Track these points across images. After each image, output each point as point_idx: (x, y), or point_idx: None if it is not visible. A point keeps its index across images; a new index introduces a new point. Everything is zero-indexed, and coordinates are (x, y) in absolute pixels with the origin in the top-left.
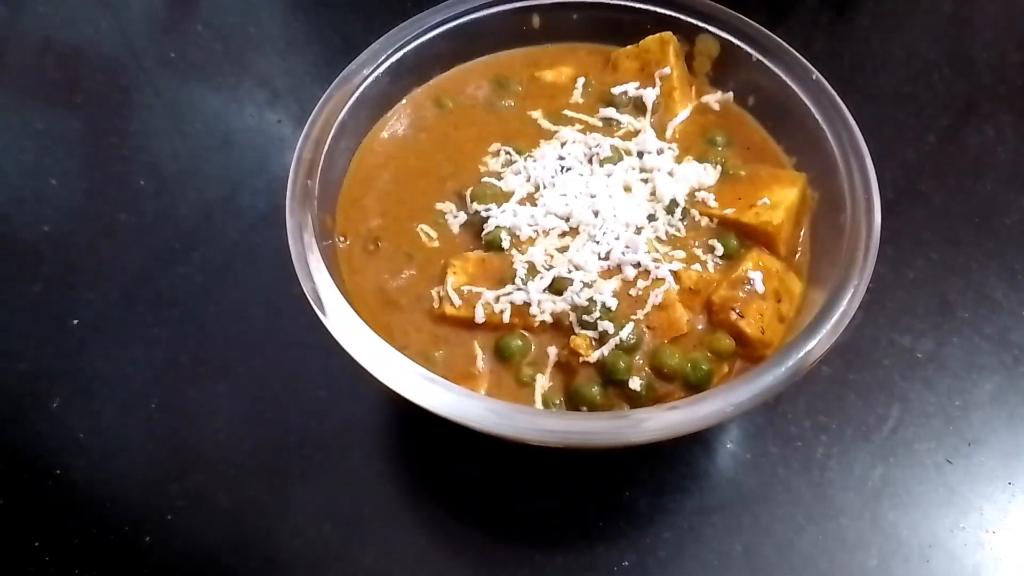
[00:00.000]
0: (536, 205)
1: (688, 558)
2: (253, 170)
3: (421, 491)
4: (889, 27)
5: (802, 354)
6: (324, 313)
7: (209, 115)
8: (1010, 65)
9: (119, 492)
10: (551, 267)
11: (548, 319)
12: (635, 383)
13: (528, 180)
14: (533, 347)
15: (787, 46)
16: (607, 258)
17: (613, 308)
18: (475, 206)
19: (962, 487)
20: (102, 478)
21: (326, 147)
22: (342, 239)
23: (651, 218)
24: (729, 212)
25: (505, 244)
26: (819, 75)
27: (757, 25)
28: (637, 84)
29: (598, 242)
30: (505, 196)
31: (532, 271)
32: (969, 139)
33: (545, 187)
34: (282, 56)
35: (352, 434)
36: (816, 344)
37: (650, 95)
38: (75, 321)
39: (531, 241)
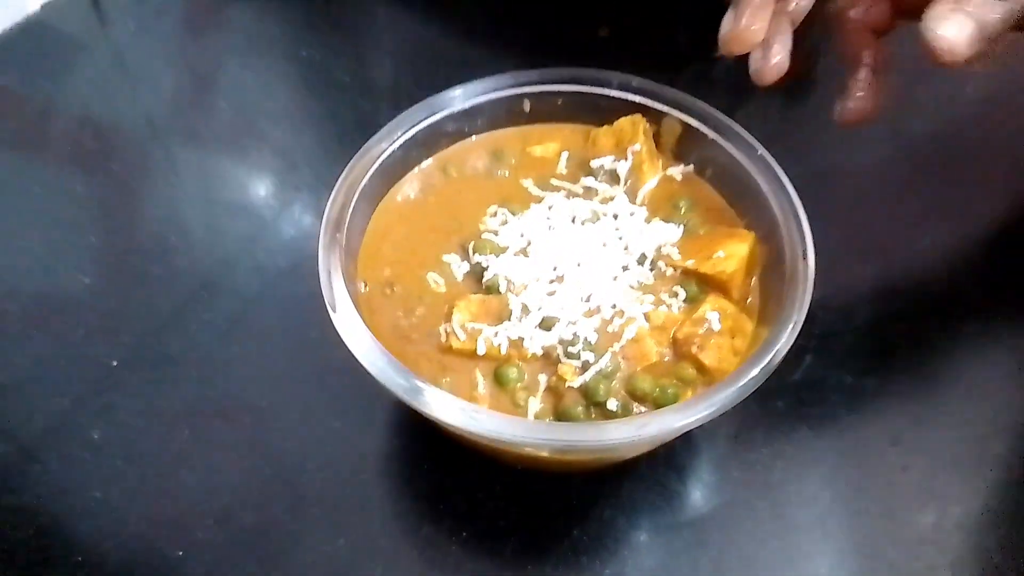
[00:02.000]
0: (528, 256)
1: (661, 567)
2: (273, 230)
3: (425, 511)
4: (829, 112)
5: (751, 376)
6: (346, 335)
7: (232, 181)
8: (939, 139)
9: (154, 511)
10: (541, 308)
11: (539, 351)
12: (612, 404)
13: (521, 236)
14: (526, 375)
15: (738, 127)
16: (588, 300)
17: (593, 342)
18: (476, 257)
19: (899, 505)
20: (139, 500)
21: (350, 208)
22: (363, 285)
23: (625, 268)
24: (690, 263)
25: (502, 288)
26: (764, 151)
27: (713, 110)
28: (613, 158)
29: (581, 288)
30: (502, 249)
31: (525, 311)
32: (903, 208)
33: (536, 242)
34: (299, 131)
35: (364, 460)
36: (761, 369)
37: (623, 167)
38: (114, 362)
39: (524, 287)
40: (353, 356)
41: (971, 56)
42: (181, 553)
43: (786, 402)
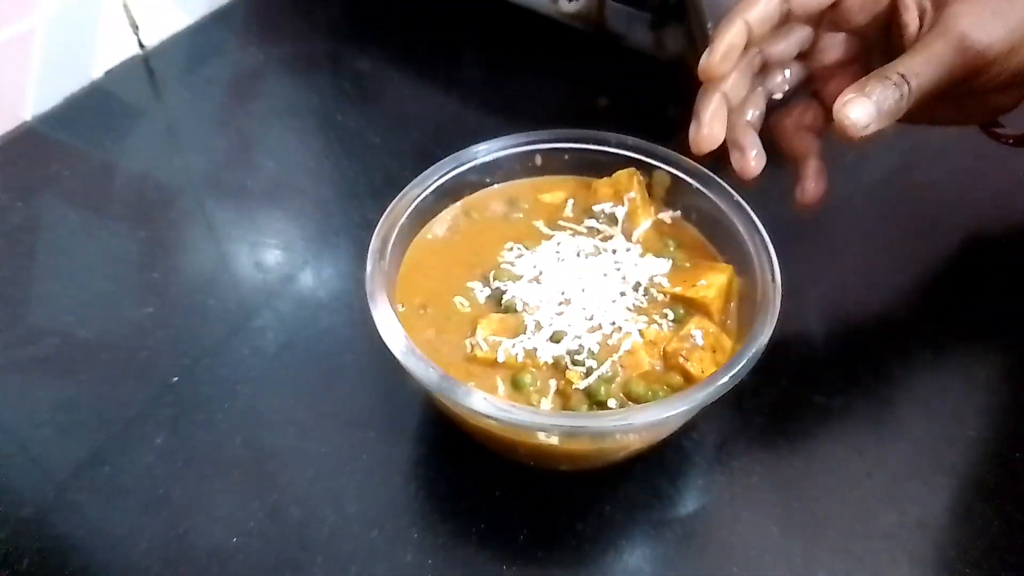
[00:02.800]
0: (540, 283)
1: (654, 556)
2: (313, 270)
3: (448, 507)
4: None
5: (727, 378)
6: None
7: (276, 228)
8: (896, 188)
9: (211, 506)
10: (551, 324)
11: (550, 360)
12: (612, 403)
13: (534, 267)
14: (539, 380)
15: (718, 179)
16: (591, 319)
17: (596, 352)
18: (496, 284)
19: (864, 507)
20: (197, 496)
21: (390, 242)
22: (400, 306)
23: (622, 294)
24: (678, 290)
25: (519, 308)
26: (739, 198)
27: (697, 164)
28: (611, 203)
29: (585, 309)
30: (518, 277)
31: (538, 327)
32: (865, 250)
33: (546, 272)
34: (334, 185)
35: (394, 465)
36: (735, 372)
37: (620, 212)
38: (175, 379)
39: (537, 307)
40: (383, 374)
41: (871, 132)
42: (235, 540)
43: (765, 418)
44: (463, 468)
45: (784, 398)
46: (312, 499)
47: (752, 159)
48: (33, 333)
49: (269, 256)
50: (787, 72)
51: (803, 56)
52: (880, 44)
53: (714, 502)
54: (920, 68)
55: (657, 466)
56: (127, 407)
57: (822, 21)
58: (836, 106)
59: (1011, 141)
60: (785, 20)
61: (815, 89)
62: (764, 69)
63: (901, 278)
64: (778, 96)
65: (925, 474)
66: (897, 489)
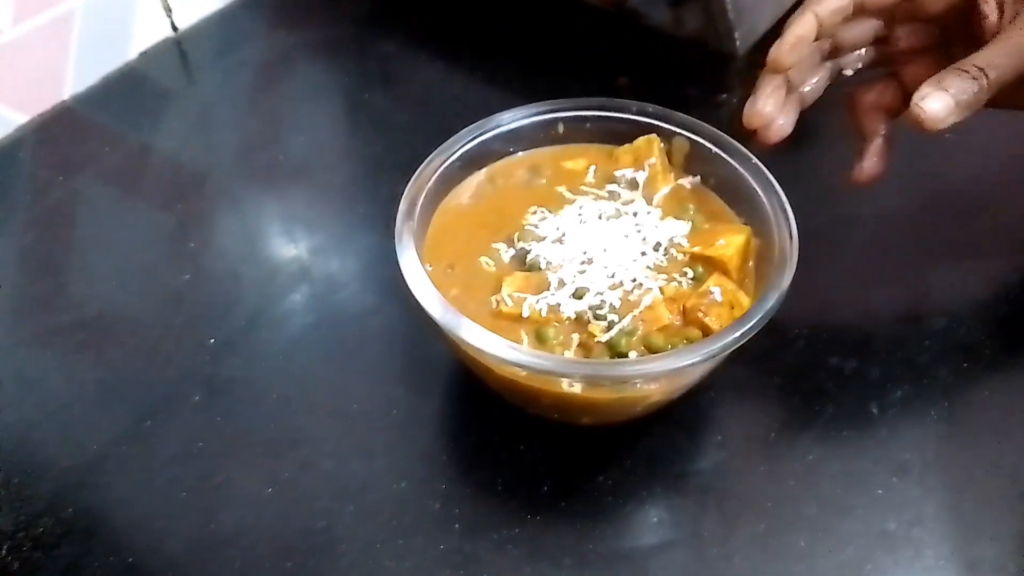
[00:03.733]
0: (563, 244)
1: (674, 507)
2: (343, 240)
3: (475, 460)
4: (808, 130)
5: (742, 330)
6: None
7: (311, 201)
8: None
9: (247, 457)
10: (574, 281)
11: (572, 315)
12: (633, 355)
13: (557, 229)
14: (562, 334)
15: (736, 143)
16: (613, 277)
17: (617, 307)
18: (520, 245)
19: (879, 462)
20: (234, 448)
21: (418, 206)
22: (428, 266)
23: (643, 254)
24: (697, 249)
25: (542, 267)
26: (758, 160)
27: (715, 130)
28: (632, 169)
29: (606, 267)
30: (541, 238)
31: (561, 284)
32: (874, 217)
33: (569, 233)
34: (363, 161)
35: (423, 419)
36: (751, 325)
37: (641, 177)
38: (211, 340)
39: (560, 266)
40: (412, 332)
41: (948, 125)
42: (270, 490)
43: (781, 378)
44: (489, 422)
45: (800, 359)
46: (343, 452)
47: (778, 126)
48: (75, 301)
49: (300, 228)
50: (862, 51)
51: (879, 41)
52: (960, 33)
53: (732, 457)
54: (999, 60)
55: (675, 422)
56: (166, 367)
57: (897, 12)
58: (913, 100)
59: None
60: (859, 11)
61: (894, 69)
62: (836, 51)
63: (920, 246)
64: (849, 72)
65: (930, 428)
66: (911, 450)
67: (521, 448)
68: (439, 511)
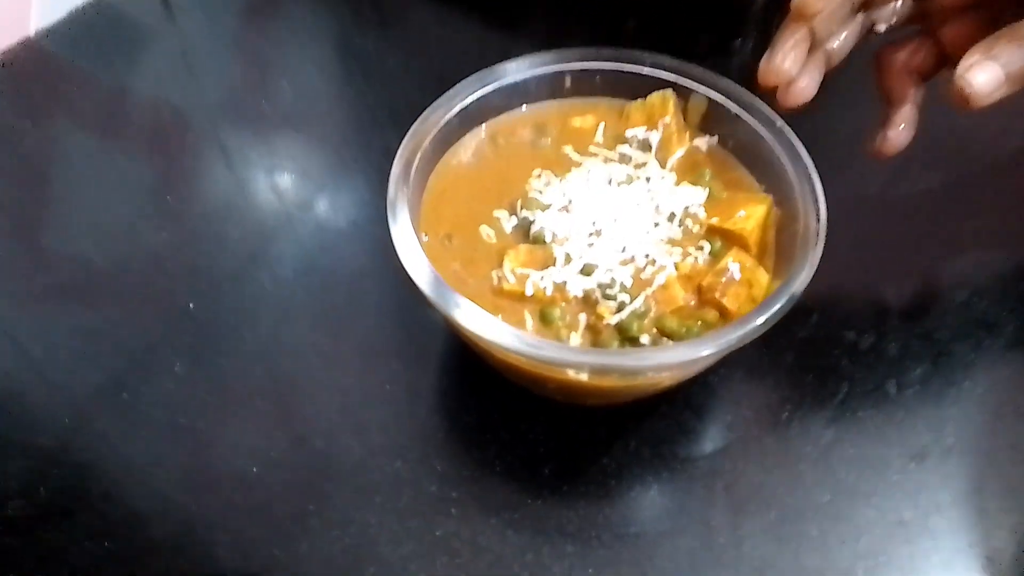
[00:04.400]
0: (570, 213)
1: (681, 491)
2: (332, 195)
3: (475, 439)
4: (836, 89)
5: (764, 318)
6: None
7: (295, 153)
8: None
9: (233, 435)
10: (582, 256)
11: (580, 294)
12: (645, 339)
13: (564, 195)
14: (568, 315)
15: (759, 102)
16: (624, 251)
17: (629, 286)
18: (524, 213)
19: (896, 446)
20: (219, 425)
21: (413, 167)
22: (424, 236)
23: (656, 225)
24: (714, 221)
25: (547, 239)
26: (783, 123)
27: (737, 86)
28: (644, 129)
29: (616, 240)
30: (546, 206)
31: (568, 259)
32: (904, 192)
33: (576, 200)
34: (354, 110)
35: (419, 395)
36: (773, 312)
37: (654, 138)
38: (191, 305)
39: (567, 238)
40: (408, 302)
41: (995, 100)
42: (256, 470)
43: (794, 354)
44: (489, 400)
45: (814, 335)
46: (336, 429)
47: (800, 88)
48: (49, 260)
49: (286, 182)
50: (897, 2)
51: None
52: None
53: (742, 439)
54: None
55: (683, 402)
56: (146, 334)
57: None
58: (959, 71)
59: None
60: None
61: (931, 28)
62: (869, 1)
63: (942, 215)
64: (881, 28)
65: (950, 408)
66: (930, 432)
67: (522, 428)
68: (436, 494)
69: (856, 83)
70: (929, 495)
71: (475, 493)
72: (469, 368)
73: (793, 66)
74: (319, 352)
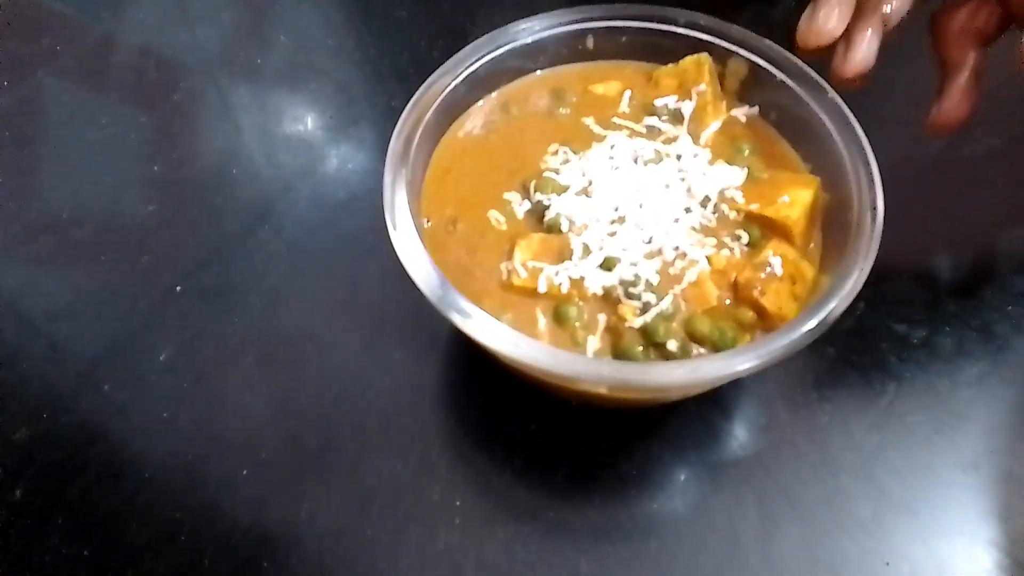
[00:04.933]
0: (590, 196)
1: (707, 502)
2: (331, 163)
3: (481, 440)
4: (894, 57)
5: (812, 325)
6: (408, 262)
7: (291, 114)
8: (1007, 86)
9: (219, 432)
10: (602, 248)
11: (599, 291)
12: (672, 345)
13: (583, 175)
14: (586, 314)
15: (807, 68)
16: (650, 242)
17: (655, 283)
18: (538, 196)
19: (948, 455)
20: (205, 421)
21: (414, 142)
22: (427, 221)
23: (687, 210)
24: (754, 207)
25: (564, 228)
26: (834, 93)
27: (782, 49)
28: (676, 98)
29: (642, 229)
30: (563, 188)
31: (586, 251)
32: (965, 157)
33: (597, 182)
34: (356, 66)
35: (421, 389)
36: (822, 318)
37: (687, 108)
38: (178, 287)
39: (585, 226)
40: (411, 287)
41: None
42: (245, 471)
43: (836, 348)
44: (497, 396)
45: (859, 326)
46: (330, 426)
47: (857, 58)
48: (26, 232)
49: (283, 147)
50: None
51: None
52: None
53: (775, 444)
54: None
55: (711, 400)
56: (128, 320)
57: None
58: None
59: None
60: None
61: None
62: None
63: (1003, 192)
64: None
65: (1015, 418)
66: (986, 438)
67: (533, 428)
68: (438, 501)
69: (906, 31)
70: (985, 512)
71: (480, 501)
72: (476, 360)
73: (838, 25)
74: (314, 340)
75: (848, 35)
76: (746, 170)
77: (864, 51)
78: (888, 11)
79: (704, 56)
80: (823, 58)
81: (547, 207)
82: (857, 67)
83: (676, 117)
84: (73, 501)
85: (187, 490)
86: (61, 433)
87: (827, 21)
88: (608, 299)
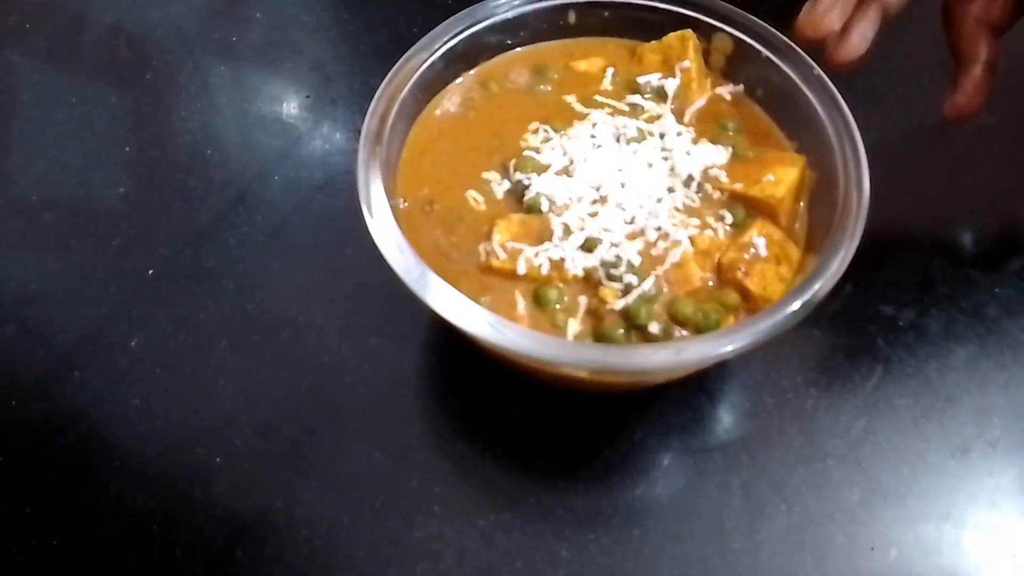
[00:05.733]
0: (571, 176)
1: (692, 489)
2: (308, 145)
3: (461, 427)
4: (882, 34)
5: (797, 306)
6: (383, 245)
7: (266, 94)
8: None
9: (193, 420)
10: (583, 229)
11: (580, 273)
12: (654, 328)
13: (564, 155)
14: (566, 297)
15: (794, 45)
16: (632, 223)
17: (637, 264)
18: (517, 175)
19: (936, 439)
20: (178, 409)
21: (389, 121)
22: (403, 201)
23: (670, 190)
24: (738, 187)
25: (544, 208)
26: (820, 71)
27: (767, 26)
28: (660, 75)
29: (624, 209)
30: (544, 168)
31: (567, 232)
32: (954, 135)
33: (579, 161)
34: (333, 44)
35: (401, 376)
36: (808, 298)
37: (671, 85)
38: (150, 272)
39: (566, 207)
40: (389, 271)
41: None
42: (219, 460)
43: (823, 331)
44: (477, 382)
45: (846, 309)
46: (307, 413)
47: (851, 45)
48: None
49: (259, 128)
50: None
51: None
52: None
53: (761, 429)
54: None
55: (696, 384)
56: (98, 304)
57: None
58: None
59: None
60: None
61: None
62: None
63: (995, 171)
64: None
65: (1009, 406)
66: (974, 422)
67: (514, 413)
68: (417, 489)
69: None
70: (973, 495)
71: (461, 489)
72: (456, 346)
73: (838, 19)
74: (290, 325)
75: (846, 23)
76: (731, 149)
77: (859, 39)
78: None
79: (688, 32)
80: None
81: (527, 187)
82: (850, 55)
83: (660, 95)
84: (42, 491)
85: (159, 480)
86: (31, 421)
87: (825, 15)
88: (589, 281)
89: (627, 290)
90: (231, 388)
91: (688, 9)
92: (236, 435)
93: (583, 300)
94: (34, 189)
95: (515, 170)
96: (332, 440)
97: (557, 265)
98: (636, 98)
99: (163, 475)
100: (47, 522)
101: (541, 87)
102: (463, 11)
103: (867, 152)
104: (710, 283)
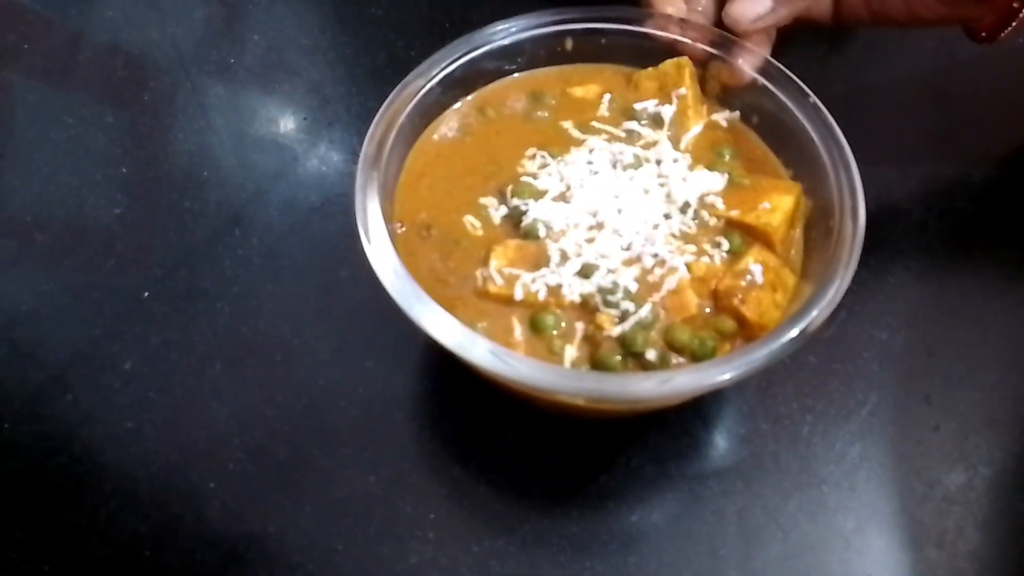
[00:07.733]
0: (568, 202)
1: (687, 516)
2: (304, 166)
3: (455, 452)
4: (877, 60)
5: (793, 334)
6: (380, 271)
7: (263, 115)
8: (983, 98)
9: (186, 444)
10: (580, 255)
11: (577, 299)
12: (651, 354)
13: (561, 180)
14: (563, 323)
15: (788, 72)
16: (629, 249)
17: (633, 291)
18: (515, 201)
19: (930, 464)
20: (171, 431)
21: (387, 146)
22: (400, 226)
23: (667, 217)
24: (734, 214)
25: (541, 234)
26: (816, 99)
27: (763, 53)
28: (656, 102)
29: (621, 235)
30: (541, 193)
31: (564, 257)
32: (945, 163)
33: (575, 187)
34: (330, 66)
35: (395, 400)
36: (803, 327)
37: (667, 112)
38: (145, 294)
39: (563, 233)
40: (384, 294)
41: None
42: (213, 485)
43: (818, 356)
44: (472, 407)
45: (840, 333)
46: (301, 437)
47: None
48: None
49: (255, 149)
50: None
51: None
52: None
53: (756, 455)
54: None
55: (692, 410)
56: (92, 326)
57: None
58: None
59: (984, 35)
60: None
61: None
62: None
63: (997, 210)
64: None
65: (1000, 429)
66: (967, 445)
67: (510, 439)
68: (411, 514)
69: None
70: (969, 527)
71: (455, 515)
72: (451, 370)
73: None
74: (284, 348)
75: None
76: (727, 176)
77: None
78: None
79: (684, 59)
80: (806, 64)
81: (524, 212)
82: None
83: (656, 121)
84: (33, 514)
85: (152, 503)
86: (22, 443)
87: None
88: (586, 307)
89: (624, 316)
90: (224, 410)
91: (684, 37)
92: (229, 458)
93: (580, 326)
94: (29, 208)
95: (512, 195)
96: (325, 464)
97: (554, 291)
98: (632, 124)
99: (155, 498)
100: (38, 546)
101: (538, 113)
102: (461, 37)
103: (862, 180)
104: (706, 310)
